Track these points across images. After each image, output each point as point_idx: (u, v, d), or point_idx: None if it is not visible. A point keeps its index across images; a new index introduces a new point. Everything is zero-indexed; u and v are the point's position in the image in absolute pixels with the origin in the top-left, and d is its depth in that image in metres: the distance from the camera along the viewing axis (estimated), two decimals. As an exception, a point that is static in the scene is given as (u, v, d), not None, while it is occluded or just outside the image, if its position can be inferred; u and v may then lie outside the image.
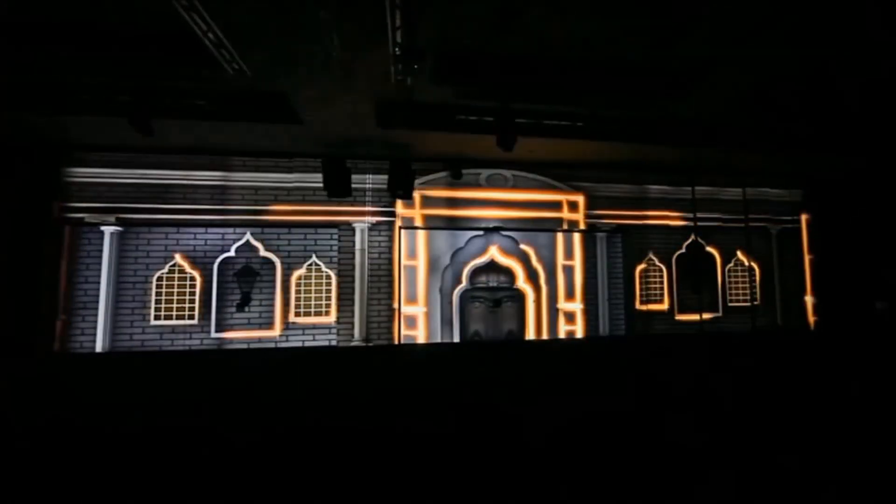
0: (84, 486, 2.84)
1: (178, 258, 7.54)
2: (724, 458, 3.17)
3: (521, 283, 8.72)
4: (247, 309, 7.65)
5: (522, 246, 8.74)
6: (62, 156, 7.32)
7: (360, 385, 5.69)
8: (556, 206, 8.79)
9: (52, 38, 4.93)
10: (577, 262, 8.86)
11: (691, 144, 7.47)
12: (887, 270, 8.60)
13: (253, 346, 7.63)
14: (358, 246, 8.07)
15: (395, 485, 2.83)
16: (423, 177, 8.24)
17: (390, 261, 8.15)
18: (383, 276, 8.12)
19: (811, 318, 9.51)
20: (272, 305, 7.77)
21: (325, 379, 6.19)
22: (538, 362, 7.23)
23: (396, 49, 4.42)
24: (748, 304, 9.40)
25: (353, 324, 7.94)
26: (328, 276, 7.99)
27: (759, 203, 9.58)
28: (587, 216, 8.87)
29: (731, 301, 9.34)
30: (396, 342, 8.01)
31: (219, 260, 7.65)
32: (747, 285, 9.44)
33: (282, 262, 7.87)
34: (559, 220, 8.80)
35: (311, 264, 7.95)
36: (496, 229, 8.61)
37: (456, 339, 8.43)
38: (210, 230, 7.70)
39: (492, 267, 8.68)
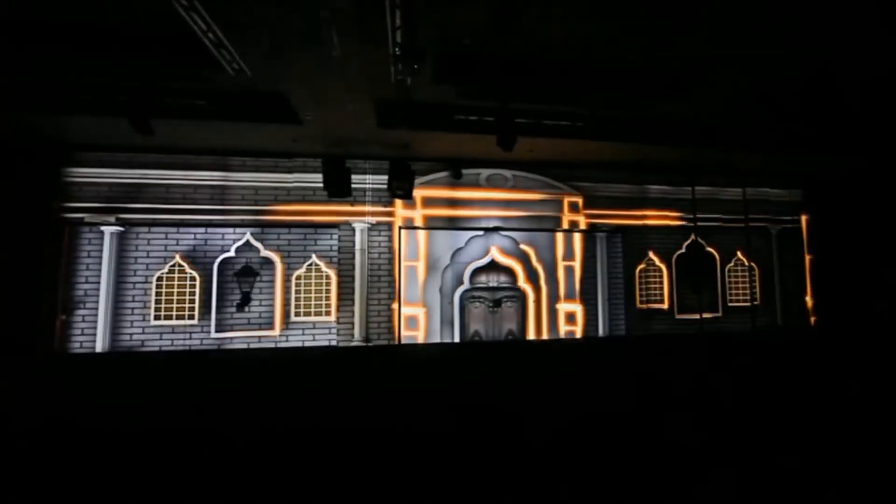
0: (84, 486, 2.84)
1: (178, 258, 7.54)
2: (725, 457, 3.17)
3: (521, 283, 8.72)
4: (247, 309, 7.65)
5: (522, 246, 8.74)
6: (62, 156, 7.32)
7: (360, 385, 5.68)
8: (556, 206, 8.79)
9: (52, 38, 4.94)
10: (577, 262, 8.86)
11: (691, 144, 7.47)
12: (887, 270, 8.60)
13: (253, 346, 7.63)
14: (358, 246, 8.07)
15: (396, 485, 2.83)
16: (423, 177, 8.24)
17: (390, 261, 8.15)
18: (383, 276, 8.12)
19: (811, 318, 9.51)
20: (272, 305, 7.77)
21: (325, 379, 6.19)
22: (538, 362, 7.23)
23: (396, 49, 4.42)
24: (748, 304, 9.40)
25: (353, 324, 7.95)
26: (328, 276, 7.99)
27: (759, 203, 9.59)
28: (587, 216, 8.87)
29: (731, 301, 9.34)
30: (396, 342, 8.01)
31: (219, 260, 7.65)
32: (747, 285, 9.44)
33: (282, 262, 7.87)
34: (559, 220, 8.81)
35: (311, 264, 7.95)
36: (496, 229, 8.61)
37: (456, 339, 8.43)
38: (210, 230, 7.70)
39: (492, 267, 8.68)
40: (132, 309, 7.37)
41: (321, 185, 7.31)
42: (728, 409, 4.40)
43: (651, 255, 9.12)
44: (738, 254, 9.46)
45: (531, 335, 8.65)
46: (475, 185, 8.54)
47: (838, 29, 4.70)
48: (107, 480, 2.90)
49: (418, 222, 8.31)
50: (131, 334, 7.34)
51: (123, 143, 7.15)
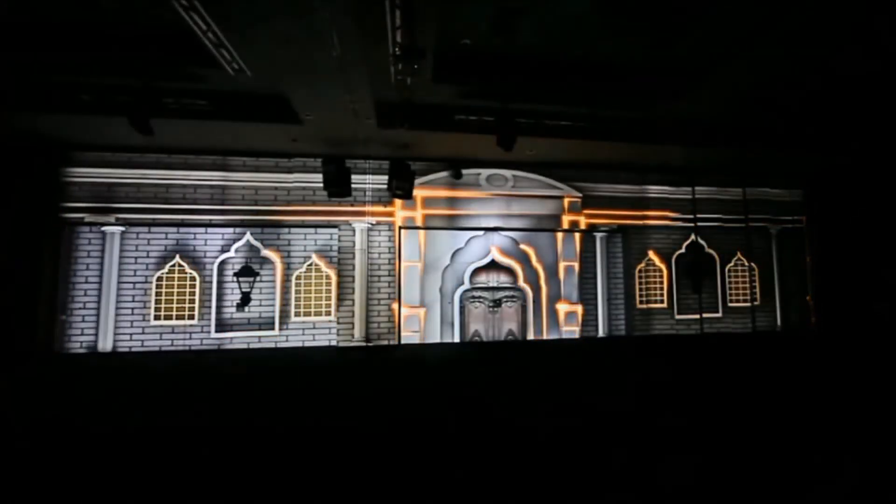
0: (84, 486, 2.84)
1: (178, 258, 7.54)
2: (725, 457, 3.17)
3: (521, 283, 8.72)
4: (247, 309, 7.65)
5: (522, 246, 8.74)
6: (62, 156, 7.31)
7: (360, 385, 5.69)
8: (556, 206, 8.79)
9: (52, 38, 4.94)
10: (577, 262, 8.86)
11: (691, 144, 7.48)
12: (887, 270, 8.60)
13: (253, 346, 7.62)
14: (358, 246, 8.07)
15: (396, 485, 2.83)
16: (423, 177, 8.24)
17: (390, 261, 8.15)
18: (383, 276, 8.12)
19: (811, 318, 9.51)
20: (272, 305, 7.77)
21: (325, 379, 6.19)
22: (538, 362, 7.24)
23: (396, 49, 4.42)
24: (748, 304, 9.40)
25: (353, 323, 7.95)
26: (328, 276, 7.98)
27: (759, 203, 9.59)
28: (587, 216, 8.87)
29: (731, 301, 9.34)
30: (396, 342, 8.01)
31: (219, 260, 7.65)
32: (747, 285, 9.44)
33: (282, 262, 7.87)
34: (559, 220, 8.80)
35: (311, 264, 7.95)
36: (496, 229, 8.61)
37: (456, 339, 8.43)
38: (210, 230, 7.70)
39: (492, 267, 8.68)
40: (132, 309, 7.37)
41: (321, 185, 7.31)
42: (728, 408, 4.40)
43: (651, 255, 9.12)
44: (738, 254, 9.46)
45: (531, 335, 8.65)
46: (475, 185, 8.53)
47: (838, 29, 4.70)
48: (107, 480, 2.90)
49: (418, 222, 8.31)
50: (131, 334, 7.34)
51: (123, 143, 7.15)
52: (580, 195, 8.86)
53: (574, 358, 7.56)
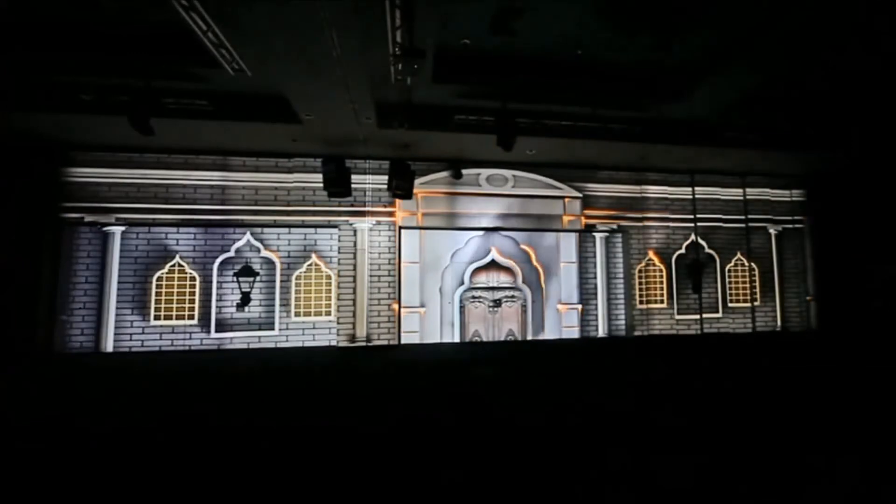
0: (84, 486, 2.85)
1: (178, 258, 7.54)
2: (725, 457, 3.17)
3: (521, 283, 8.72)
4: (247, 309, 7.65)
5: (522, 246, 8.74)
6: (62, 156, 7.32)
7: (360, 385, 5.69)
8: (556, 206, 8.80)
9: (52, 38, 4.94)
10: (577, 262, 8.86)
11: (691, 144, 7.48)
12: (888, 267, 8.59)
13: (253, 346, 7.63)
14: (358, 246, 8.07)
15: (396, 485, 2.83)
16: (423, 177, 8.24)
17: (390, 261, 8.15)
18: (383, 276, 8.12)
19: (811, 318, 9.51)
20: (272, 305, 7.77)
21: (325, 379, 6.19)
22: (538, 362, 7.24)
23: (396, 49, 4.42)
24: (748, 304, 9.40)
25: (353, 323, 7.95)
26: (328, 276, 7.99)
27: (759, 203, 9.59)
28: (587, 216, 8.87)
29: (731, 301, 9.34)
30: (396, 342, 8.01)
31: (219, 260, 7.65)
32: (747, 285, 9.44)
33: (282, 262, 7.87)
34: (559, 220, 8.81)
35: (311, 264, 7.95)
36: (496, 229, 8.61)
37: (456, 339, 8.43)
38: (210, 230, 7.70)
39: (492, 267, 8.68)
40: (132, 309, 7.37)
41: (321, 185, 7.31)
42: (728, 408, 4.40)
43: (651, 255, 9.12)
44: (738, 254, 9.46)
45: (531, 335, 8.65)
46: (475, 185, 8.54)
47: (838, 29, 4.70)
48: (107, 480, 2.90)
49: (418, 222, 8.31)
50: (131, 334, 7.34)
51: (123, 143, 7.16)
52: (580, 195, 8.86)
53: (574, 358, 7.56)
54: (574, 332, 8.72)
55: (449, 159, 8.29)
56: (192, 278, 7.56)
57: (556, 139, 7.04)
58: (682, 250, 9.23)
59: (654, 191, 9.21)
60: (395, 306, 8.08)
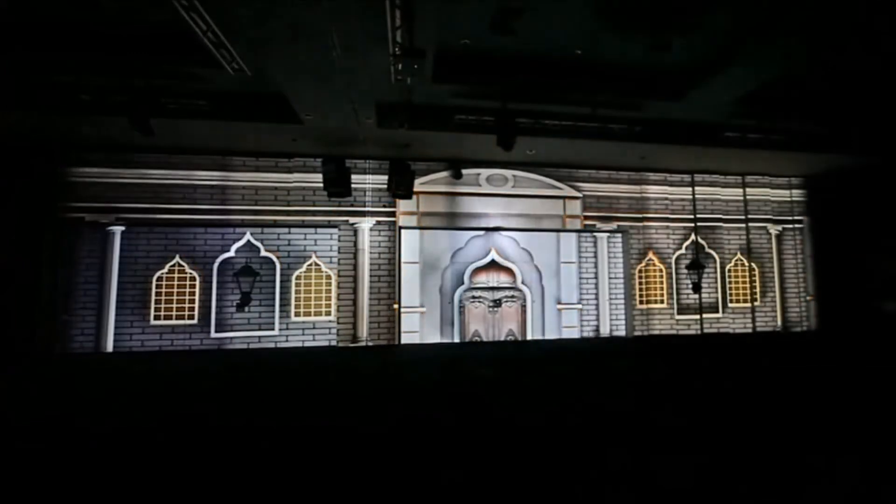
0: (84, 486, 2.85)
1: (178, 258, 7.54)
2: (725, 457, 3.17)
3: (521, 283, 8.72)
4: (247, 309, 7.65)
5: (522, 246, 8.74)
6: (62, 156, 7.32)
7: (360, 385, 5.69)
8: (556, 206, 8.80)
9: (53, 38, 4.94)
10: (577, 262, 8.86)
11: (691, 144, 7.48)
12: (888, 262, 8.58)
13: (253, 346, 7.63)
14: (358, 246, 8.08)
15: (396, 485, 2.83)
16: (423, 177, 8.24)
17: (390, 261, 8.15)
18: (383, 276, 8.12)
19: (811, 318, 9.51)
20: (272, 305, 7.77)
21: (325, 379, 6.19)
22: (538, 362, 7.23)
23: (396, 49, 4.42)
24: (748, 304, 9.40)
25: (353, 323, 7.95)
26: (328, 276, 7.99)
27: (759, 203, 9.59)
28: (587, 216, 8.88)
29: (731, 301, 9.34)
30: (396, 342, 8.01)
31: (219, 260, 7.65)
32: (747, 285, 9.44)
33: (282, 262, 7.87)
34: (559, 220, 8.81)
35: (311, 264, 7.95)
36: (496, 229, 8.61)
37: (456, 339, 8.43)
38: (210, 230, 7.70)
39: (492, 267, 8.68)
40: (132, 309, 7.37)
41: (321, 185, 7.31)
42: (728, 408, 4.40)
43: (651, 255, 9.12)
44: (738, 254, 9.46)
45: (531, 335, 8.65)
46: (475, 185, 8.53)
47: (838, 28, 4.69)
48: (106, 480, 2.90)
49: (418, 222, 8.31)
50: (131, 334, 7.34)
51: (123, 143, 7.15)
52: (580, 195, 8.87)
53: (574, 358, 7.56)
54: (574, 332, 8.72)
55: (449, 159, 8.29)
56: (192, 278, 7.56)
57: (556, 139, 7.03)
58: (682, 250, 9.23)
59: (654, 191, 9.21)
60: (395, 306, 8.08)
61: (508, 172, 8.63)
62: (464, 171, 8.36)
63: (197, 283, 7.57)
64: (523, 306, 8.74)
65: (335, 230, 8.06)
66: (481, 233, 8.59)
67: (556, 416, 4.25)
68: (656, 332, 8.98)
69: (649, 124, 6.87)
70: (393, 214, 8.19)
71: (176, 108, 5.91)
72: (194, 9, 3.92)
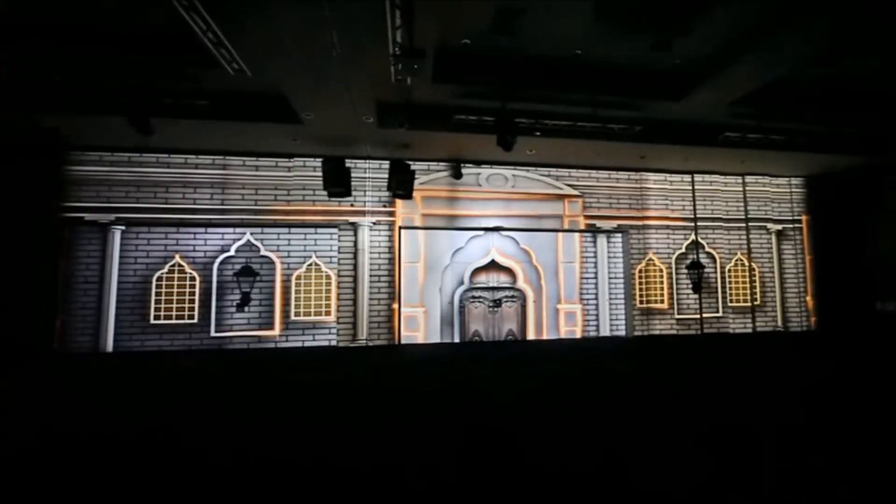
0: (83, 486, 2.85)
1: (177, 258, 7.54)
2: (723, 456, 3.17)
3: (521, 283, 8.72)
4: (247, 309, 7.65)
5: (522, 246, 8.74)
6: (62, 156, 7.32)
7: (360, 385, 5.69)
8: (556, 206, 8.79)
9: (52, 38, 4.94)
10: (577, 262, 8.86)
11: (691, 144, 7.48)
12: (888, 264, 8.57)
13: (253, 346, 7.63)
14: (358, 246, 8.07)
15: (395, 485, 2.83)
16: (423, 177, 8.24)
17: (390, 261, 8.15)
18: (383, 276, 8.12)
19: (812, 318, 9.51)
20: (272, 305, 7.77)
21: (325, 379, 6.19)
22: (538, 362, 7.24)
23: (396, 49, 4.42)
24: (748, 304, 9.40)
25: (353, 324, 7.94)
26: (328, 276, 7.98)
27: (759, 203, 9.60)
28: (587, 216, 8.87)
29: (731, 301, 9.34)
30: (396, 342, 8.01)
31: (219, 260, 7.65)
32: (747, 285, 9.44)
33: (282, 262, 7.87)
34: (559, 220, 8.80)
35: (311, 264, 7.95)
36: (496, 229, 8.61)
37: (456, 339, 8.43)
38: (210, 230, 7.70)
39: (492, 267, 8.68)
40: (132, 309, 7.37)
41: (321, 184, 7.31)
42: (728, 408, 4.41)
43: (651, 255, 9.12)
44: (738, 254, 9.47)
45: (531, 335, 8.65)
46: (475, 185, 8.53)
47: (839, 29, 4.69)
48: (106, 480, 2.90)
49: (418, 222, 8.31)
50: (131, 334, 7.34)
51: (123, 143, 7.16)
52: (580, 195, 8.86)
53: (574, 358, 7.56)
54: (574, 332, 8.72)
55: (449, 159, 8.29)
56: (192, 278, 7.56)
57: (556, 139, 7.03)
58: (682, 250, 9.24)
59: (653, 191, 9.21)
60: (395, 306, 8.08)
61: (508, 172, 8.63)
62: (464, 171, 8.36)
63: (197, 283, 7.57)
64: (523, 306, 8.74)
65: (335, 230, 8.06)
66: (481, 233, 8.58)
67: (557, 415, 4.25)
68: (656, 332, 8.98)
69: (649, 124, 6.86)
70: (393, 214, 8.19)
71: (176, 108, 5.91)
72: (194, 9, 3.92)
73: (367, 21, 4.21)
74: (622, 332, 8.91)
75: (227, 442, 3.61)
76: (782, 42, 4.85)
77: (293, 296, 7.84)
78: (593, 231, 8.95)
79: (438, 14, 4.27)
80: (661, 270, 9.14)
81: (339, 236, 8.06)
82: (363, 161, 8.05)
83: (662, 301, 9.08)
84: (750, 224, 9.52)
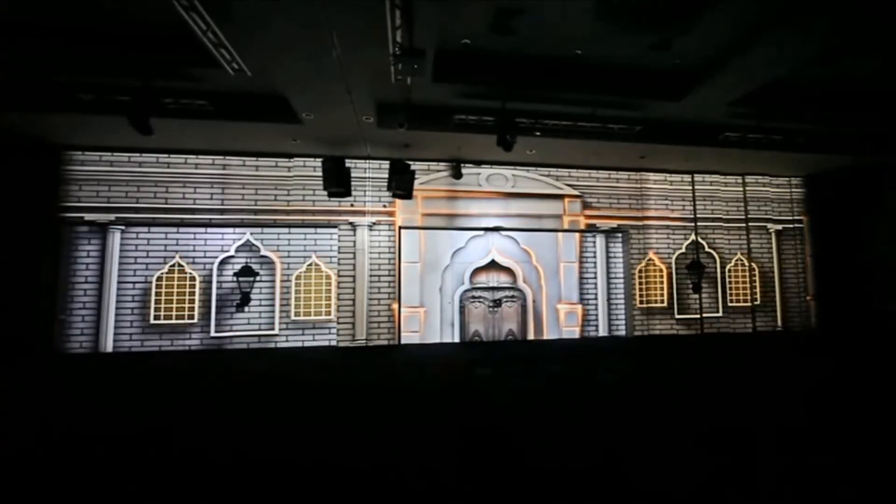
0: (83, 486, 2.85)
1: (177, 258, 7.54)
2: (723, 456, 3.17)
3: (521, 283, 8.72)
4: (247, 309, 7.65)
5: (523, 246, 8.74)
6: (62, 156, 7.32)
7: (359, 385, 5.68)
8: (556, 206, 8.79)
9: (53, 38, 4.94)
10: (577, 262, 8.86)
11: (691, 144, 7.48)
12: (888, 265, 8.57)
13: (253, 345, 7.63)
14: (358, 246, 8.08)
15: (395, 486, 2.83)
16: (423, 177, 8.24)
17: (390, 261, 8.15)
18: (383, 276, 8.12)
19: (812, 318, 9.51)
20: (272, 305, 7.77)
21: (325, 379, 6.19)
22: (538, 362, 7.23)
23: (396, 49, 4.42)
24: (748, 304, 9.40)
25: (353, 324, 7.95)
26: (328, 276, 7.99)
27: (759, 203, 9.60)
28: (587, 216, 8.87)
29: (731, 301, 9.34)
30: (396, 342, 8.01)
31: (219, 260, 7.66)
32: (747, 285, 9.44)
33: (282, 262, 7.87)
34: (559, 220, 8.80)
35: (311, 264, 7.95)
36: (496, 229, 8.61)
37: (456, 339, 8.43)
38: (210, 230, 7.71)
39: (492, 267, 8.68)
40: (132, 309, 7.37)
41: (321, 184, 7.31)
42: (727, 408, 4.40)
43: (651, 255, 9.12)
44: (738, 254, 9.47)
45: (531, 335, 8.65)
46: (475, 185, 8.53)
47: (838, 29, 4.69)
48: (106, 480, 2.90)
49: (418, 222, 8.31)
50: (131, 334, 7.34)
51: (123, 143, 7.16)
52: (580, 195, 8.87)
53: (574, 358, 7.55)
54: (574, 332, 8.72)
55: (449, 159, 8.29)
56: (192, 278, 7.57)
57: (556, 139, 7.03)
58: (683, 250, 9.24)
59: (654, 191, 9.21)
60: (395, 306, 8.08)
61: (508, 172, 8.63)
62: (464, 171, 8.36)
63: (197, 283, 7.57)
64: (523, 306, 8.74)
65: (335, 230, 8.06)
66: (481, 233, 8.58)
67: (557, 415, 4.25)
68: (656, 332, 8.98)
69: (649, 124, 6.86)
70: (393, 214, 8.19)
71: (176, 108, 5.90)
72: (194, 9, 3.92)
73: (367, 21, 4.21)
74: (622, 332, 8.91)
75: (226, 442, 3.61)
76: (782, 42, 4.85)
77: (293, 296, 7.84)
78: (593, 231, 8.95)
79: (438, 14, 4.27)
80: (661, 270, 9.14)
81: (339, 236, 8.06)
82: (363, 161, 8.05)
83: (662, 301, 9.08)
84: (750, 224, 9.52)
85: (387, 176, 7.55)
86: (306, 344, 7.80)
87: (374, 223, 8.15)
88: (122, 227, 7.45)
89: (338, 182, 7.20)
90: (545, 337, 8.64)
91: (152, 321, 7.40)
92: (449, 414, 4.34)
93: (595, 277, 8.94)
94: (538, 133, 6.75)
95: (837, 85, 6.41)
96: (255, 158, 7.83)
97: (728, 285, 9.36)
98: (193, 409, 4.60)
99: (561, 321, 8.70)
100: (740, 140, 7.16)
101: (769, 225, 9.66)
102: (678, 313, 9.09)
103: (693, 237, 9.26)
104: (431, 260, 8.40)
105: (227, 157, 7.76)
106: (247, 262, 7.73)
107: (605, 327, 8.85)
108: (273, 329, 7.73)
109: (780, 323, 9.48)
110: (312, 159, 7.87)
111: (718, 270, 9.34)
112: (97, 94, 5.65)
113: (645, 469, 3.00)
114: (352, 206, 8.01)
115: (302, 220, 7.95)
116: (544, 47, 5.39)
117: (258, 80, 5.36)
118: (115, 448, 3.46)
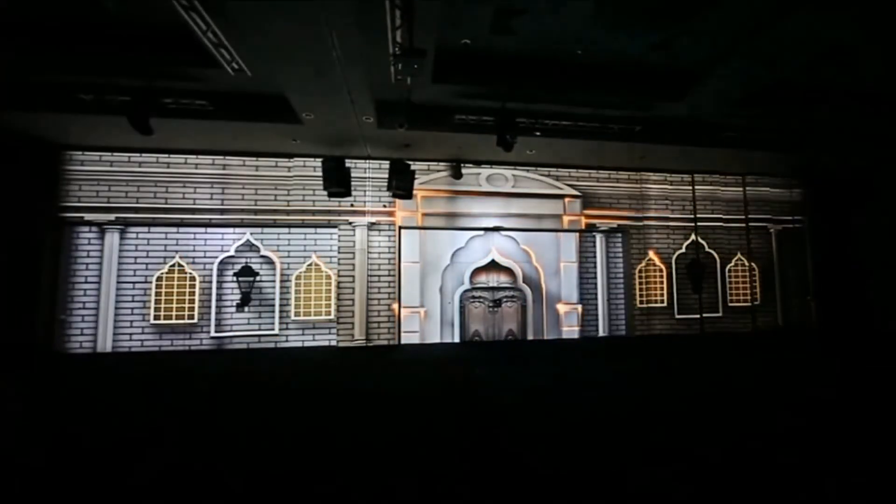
0: (83, 486, 2.85)
1: (177, 258, 7.54)
2: (724, 456, 3.17)
3: (521, 283, 8.72)
4: (247, 309, 7.65)
5: (522, 246, 8.74)
6: (62, 156, 7.32)
7: (359, 385, 5.68)
8: (556, 205, 8.80)
9: (53, 37, 4.94)
10: (577, 262, 8.86)
11: (691, 144, 7.48)
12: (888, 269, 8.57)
13: (253, 346, 7.63)
14: (358, 246, 8.08)
15: (395, 486, 2.83)
16: (423, 177, 8.24)
17: (390, 261, 8.15)
18: (383, 276, 8.12)
19: (812, 318, 9.51)
20: (272, 305, 7.77)
21: (325, 379, 6.19)
22: (538, 362, 7.23)
23: (396, 49, 4.42)
24: (748, 304, 9.40)
25: (353, 324, 7.95)
26: (328, 276, 7.99)
27: (759, 203, 9.60)
28: (587, 216, 8.88)
29: (731, 301, 9.34)
30: (396, 342, 8.01)
31: (219, 260, 7.66)
32: (747, 285, 9.44)
33: (281, 262, 7.87)
34: (559, 220, 8.81)
35: (311, 264, 7.95)
36: (496, 229, 8.61)
37: (456, 339, 8.43)
38: (210, 230, 7.71)
39: (492, 267, 8.68)
40: (132, 309, 7.37)
41: (321, 184, 7.31)
42: (727, 408, 4.40)
43: (651, 255, 9.12)
44: (738, 254, 9.47)
45: (531, 335, 8.65)
46: (475, 184, 8.53)
47: (838, 29, 4.69)
48: (105, 480, 2.90)
49: (418, 222, 8.31)
50: (131, 334, 7.34)
51: (123, 143, 7.16)
52: (580, 195, 8.87)
53: (574, 357, 7.56)
54: (574, 332, 8.72)
55: (449, 159, 8.29)
56: (192, 278, 7.57)
57: (556, 139, 7.04)
58: (683, 250, 9.24)
59: (654, 190, 9.22)
60: (395, 306, 8.08)
61: (508, 172, 8.63)
62: (464, 171, 8.36)
63: (197, 283, 7.57)
64: (523, 306, 8.74)
65: (335, 230, 8.06)
66: (481, 233, 8.58)
67: (557, 415, 4.25)
68: (656, 332, 8.98)
69: (649, 124, 6.87)
70: (393, 214, 8.19)
71: (176, 108, 5.91)
72: (194, 9, 3.93)
73: (367, 21, 4.21)
74: (622, 332, 8.91)
75: (226, 442, 3.61)
76: (782, 42, 4.85)
77: (293, 296, 7.84)
78: (593, 231, 8.95)
79: (438, 14, 4.27)
80: (661, 270, 9.14)
81: (339, 236, 8.06)
82: (363, 161, 8.05)
83: (663, 301, 9.08)
84: (750, 224, 9.52)
85: (387, 176, 7.55)
86: (306, 344, 7.80)
87: (374, 223, 8.15)
88: (122, 227, 7.45)
89: (338, 182, 7.20)
90: (545, 337, 8.64)
91: (152, 321, 7.40)
92: (448, 414, 4.34)
93: (595, 277, 8.94)
94: (538, 133, 6.76)
95: (837, 85, 6.41)
96: (255, 158, 7.83)
97: (728, 285, 9.37)
98: (193, 409, 4.59)
99: (561, 321, 8.70)
100: (740, 140, 7.16)
101: (769, 225, 9.66)
102: (678, 313, 9.09)
103: (693, 237, 9.27)
104: (431, 260, 8.40)
105: (227, 157, 7.76)
106: (247, 262, 7.73)
107: (606, 327, 8.85)
108: (273, 329, 7.73)
109: (780, 322, 9.48)
110: (312, 159, 7.87)
111: (718, 270, 9.34)
112: (97, 94, 5.65)
113: (645, 470, 3.00)
114: (352, 206, 8.02)
115: (302, 220, 7.95)
116: (544, 47, 5.39)
117: (258, 80, 5.36)
118: (114, 448, 3.46)
